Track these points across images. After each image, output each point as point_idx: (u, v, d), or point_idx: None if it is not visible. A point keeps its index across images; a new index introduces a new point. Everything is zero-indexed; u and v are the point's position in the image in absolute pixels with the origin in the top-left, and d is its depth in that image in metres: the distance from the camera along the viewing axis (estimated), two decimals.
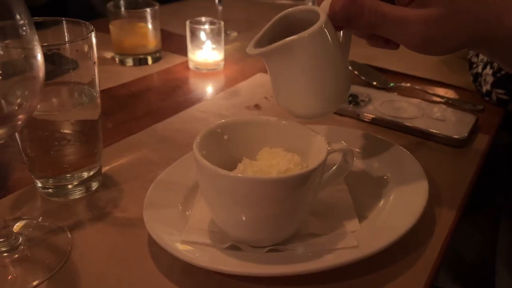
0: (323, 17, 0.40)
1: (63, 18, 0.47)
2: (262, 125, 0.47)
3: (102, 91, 0.76)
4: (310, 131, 0.44)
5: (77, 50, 0.46)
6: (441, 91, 0.80)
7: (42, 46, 0.37)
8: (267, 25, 0.43)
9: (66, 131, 0.47)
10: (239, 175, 0.37)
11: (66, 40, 0.47)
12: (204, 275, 0.40)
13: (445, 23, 0.40)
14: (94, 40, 0.46)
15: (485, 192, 0.88)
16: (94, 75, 0.48)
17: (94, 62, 0.47)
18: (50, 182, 0.50)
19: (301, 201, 0.39)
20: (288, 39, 0.39)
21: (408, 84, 0.81)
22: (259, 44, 0.42)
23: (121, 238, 0.45)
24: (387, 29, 0.41)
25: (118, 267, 0.42)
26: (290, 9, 0.43)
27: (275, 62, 0.42)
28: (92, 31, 0.46)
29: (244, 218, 0.39)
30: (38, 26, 0.47)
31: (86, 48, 0.46)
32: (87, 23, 0.47)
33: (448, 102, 0.75)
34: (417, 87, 0.80)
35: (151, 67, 0.88)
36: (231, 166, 0.44)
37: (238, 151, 0.46)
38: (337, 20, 0.41)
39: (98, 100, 0.50)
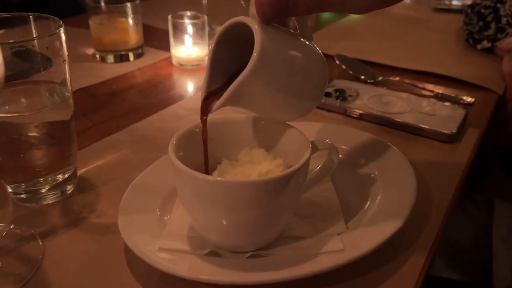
0: (258, 36, 0.34)
1: (30, 14, 0.44)
2: (243, 123, 0.45)
3: (81, 89, 0.74)
4: (293, 130, 0.42)
5: (47, 48, 0.43)
6: (430, 85, 0.78)
7: (3, 44, 0.34)
8: (208, 60, 0.39)
9: (35, 133, 0.45)
10: (218, 178, 0.35)
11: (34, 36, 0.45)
12: (183, 283, 0.38)
13: None
14: (63, 36, 0.44)
15: (475, 179, 0.87)
16: (65, 73, 0.46)
17: (64, 60, 0.45)
18: (22, 187, 0.47)
19: (284, 204, 0.37)
20: (234, 86, 0.35)
21: (397, 78, 0.79)
22: (213, 79, 0.39)
23: (96, 245, 0.43)
24: (331, 5, 0.35)
25: (92, 276, 0.39)
26: (222, 30, 0.38)
27: (242, 100, 0.38)
28: (61, 26, 0.43)
29: (224, 223, 0.37)
30: (5, 24, 0.45)
31: (57, 44, 0.44)
32: (56, 18, 0.44)
33: (438, 96, 0.74)
34: (406, 81, 0.78)
35: (133, 64, 0.86)
36: (211, 167, 0.42)
37: (217, 152, 0.44)
38: (271, 19, 0.35)
39: (71, 100, 0.47)
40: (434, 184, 0.51)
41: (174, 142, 0.40)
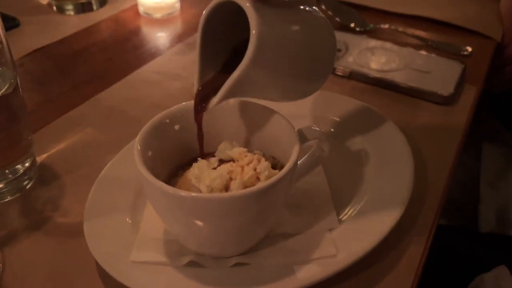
0: (252, 19, 0.29)
1: None
2: (221, 109, 0.39)
3: (36, 51, 0.65)
4: (278, 116, 0.37)
5: None
6: (424, 33, 0.71)
7: None
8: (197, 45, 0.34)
9: None
10: (192, 194, 0.30)
11: None
12: None
13: None
14: None
15: None
16: None
17: None
18: None
19: (269, 210, 0.33)
20: (232, 80, 0.30)
21: (387, 26, 0.72)
22: (206, 67, 0.34)
23: (63, 252, 0.38)
24: None
25: None
26: (208, 10, 0.33)
27: (242, 91, 0.33)
28: None
29: (202, 235, 0.33)
30: None
31: None
32: None
33: (432, 46, 0.68)
34: (399, 29, 0.71)
35: (95, 15, 0.76)
36: (187, 159, 0.37)
37: (194, 142, 0.39)
38: None
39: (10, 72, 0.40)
40: (430, 157, 0.47)
41: (141, 138, 0.34)
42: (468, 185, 0.91)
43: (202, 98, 0.34)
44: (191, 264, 0.35)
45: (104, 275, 0.36)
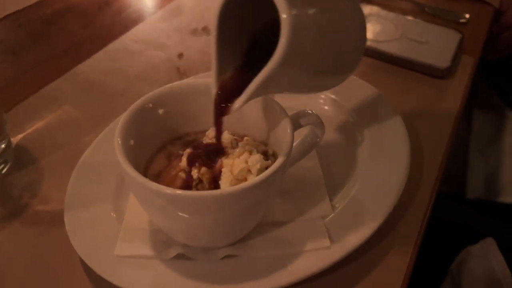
0: (284, 11, 0.25)
1: None
2: (206, 91, 0.36)
3: (7, 17, 0.60)
4: (268, 100, 0.35)
5: None
6: None
7: None
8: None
9: None
10: (177, 191, 0.28)
11: None
12: None
13: None
14: None
15: None
16: None
17: None
18: None
19: (260, 204, 0.32)
20: (258, 81, 0.27)
21: None
22: (223, 63, 0.30)
23: (44, 243, 0.36)
24: None
25: (42, 284, 0.34)
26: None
27: (268, 90, 0.30)
28: None
29: (191, 230, 0.32)
30: None
31: None
32: None
33: (429, 13, 0.65)
34: None
35: None
36: (170, 138, 0.36)
37: (179, 126, 0.36)
38: None
39: None
40: (425, 137, 0.46)
41: (119, 141, 0.31)
42: (457, 152, 0.91)
43: (223, 101, 0.31)
44: (179, 256, 0.33)
45: (88, 269, 0.34)
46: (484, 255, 0.59)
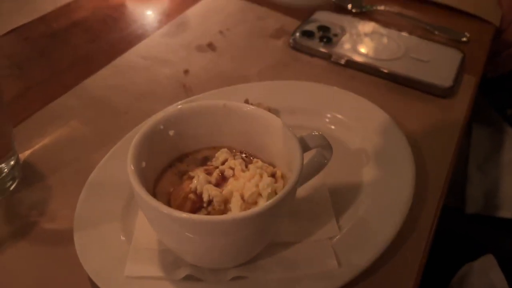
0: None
1: None
2: (218, 113, 0.37)
3: (13, 31, 0.61)
4: (277, 122, 0.35)
5: None
6: (421, 15, 0.69)
7: None
8: None
9: None
10: (190, 216, 0.28)
11: None
12: None
13: None
14: None
15: None
16: None
17: None
18: None
19: (270, 227, 0.32)
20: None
21: (383, 7, 0.69)
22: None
23: (52, 262, 0.36)
24: None
25: None
26: None
27: None
28: None
29: (201, 252, 0.32)
30: None
31: None
32: None
33: (430, 31, 0.66)
34: (396, 11, 0.68)
35: None
36: (177, 156, 0.37)
37: (188, 145, 0.37)
38: None
39: None
40: (429, 156, 0.46)
41: (132, 168, 0.31)
42: (457, 167, 0.91)
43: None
44: (188, 277, 0.33)
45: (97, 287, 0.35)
46: (485, 271, 0.60)
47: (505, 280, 0.58)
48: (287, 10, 0.67)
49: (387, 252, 0.36)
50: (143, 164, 0.32)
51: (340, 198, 0.40)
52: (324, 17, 0.64)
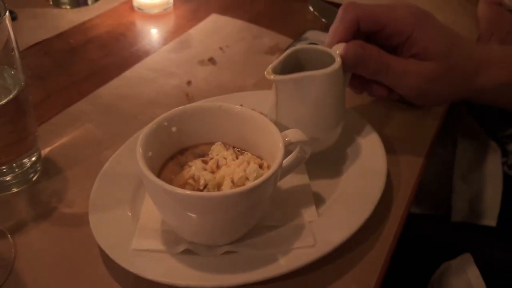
0: (338, 60, 0.44)
1: None
2: (214, 113, 0.43)
3: (35, 46, 0.68)
4: (265, 121, 0.41)
5: None
6: None
7: None
8: (281, 57, 0.45)
9: None
10: (188, 191, 0.35)
11: None
12: None
13: (440, 80, 0.46)
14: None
15: None
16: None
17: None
18: None
19: (256, 206, 0.38)
20: (312, 72, 0.43)
21: None
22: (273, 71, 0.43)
23: (69, 242, 0.42)
24: (389, 79, 0.46)
25: (68, 276, 0.39)
26: (303, 46, 0.46)
27: (289, 90, 0.44)
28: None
29: (197, 227, 0.38)
30: None
31: None
32: None
33: None
34: None
35: (91, 9, 0.78)
36: (178, 149, 0.43)
37: (189, 142, 0.43)
38: (347, 63, 0.45)
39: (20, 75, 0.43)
40: (402, 159, 0.52)
41: (141, 151, 0.37)
42: (443, 176, 0.96)
43: None
44: (186, 251, 0.39)
45: (107, 262, 0.40)
46: (462, 269, 0.64)
47: (481, 277, 0.63)
48: (281, 30, 0.74)
49: (359, 232, 0.41)
50: (150, 153, 0.38)
51: (320, 190, 0.46)
52: (314, 36, 0.71)
